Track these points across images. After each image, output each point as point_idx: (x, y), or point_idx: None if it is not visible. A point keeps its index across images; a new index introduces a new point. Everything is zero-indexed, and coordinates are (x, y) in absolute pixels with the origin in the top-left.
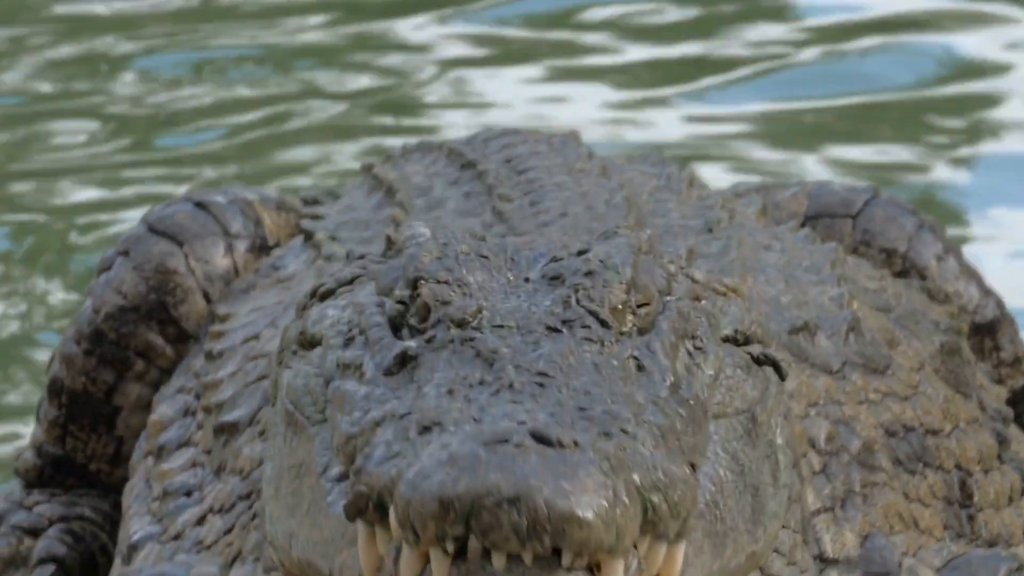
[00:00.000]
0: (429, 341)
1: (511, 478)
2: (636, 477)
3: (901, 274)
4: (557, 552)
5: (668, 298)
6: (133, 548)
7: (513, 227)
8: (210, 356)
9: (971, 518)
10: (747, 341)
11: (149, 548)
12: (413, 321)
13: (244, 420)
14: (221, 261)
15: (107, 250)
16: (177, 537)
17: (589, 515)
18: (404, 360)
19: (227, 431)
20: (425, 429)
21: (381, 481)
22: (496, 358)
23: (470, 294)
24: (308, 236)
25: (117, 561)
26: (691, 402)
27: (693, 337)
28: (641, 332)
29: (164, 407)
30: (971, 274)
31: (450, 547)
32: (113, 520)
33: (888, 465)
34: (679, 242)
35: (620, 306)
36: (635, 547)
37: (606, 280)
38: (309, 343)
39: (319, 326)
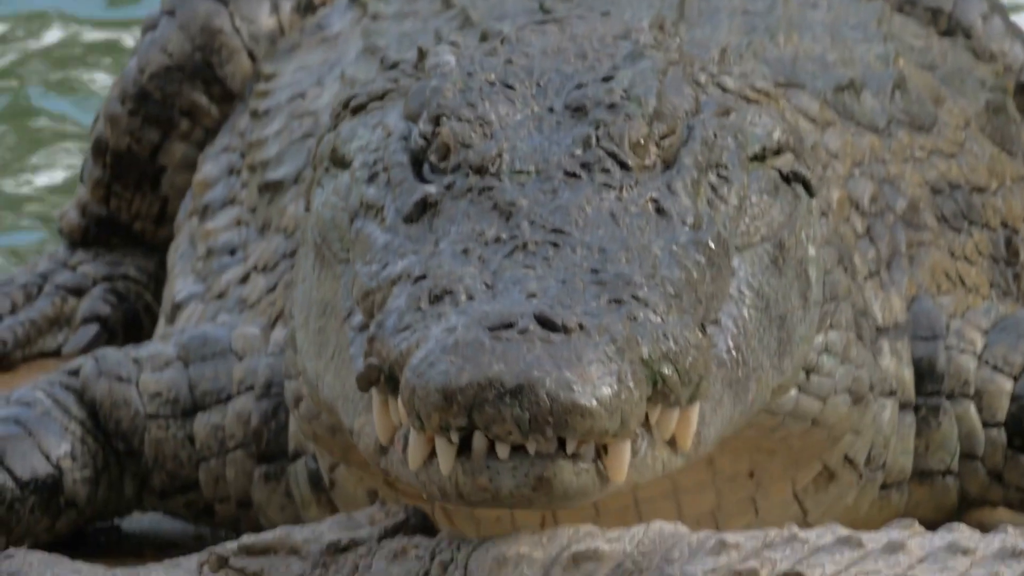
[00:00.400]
0: (449, 187)
1: (514, 369)
2: (645, 350)
3: (946, 33)
4: (562, 439)
5: (695, 119)
6: (177, 307)
7: None
8: (255, 115)
9: (1016, 276)
10: (779, 151)
11: (193, 307)
12: (434, 159)
13: (289, 178)
14: (266, 20)
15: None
16: (221, 296)
17: (592, 403)
18: (424, 207)
19: (272, 189)
20: (436, 298)
21: (392, 355)
22: (513, 211)
23: (491, 134)
24: None
25: (161, 321)
26: (712, 245)
27: (718, 166)
28: (665, 164)
29: (209, 166)
30: (1016, 33)
31: (454, 437)
32: (157, 279)
33: (934, 223)
34: (724, 2)
35: (642, 140)
36: (647, 418)
37: (628, 114)
38: (340, 162)
39: (349, 146)
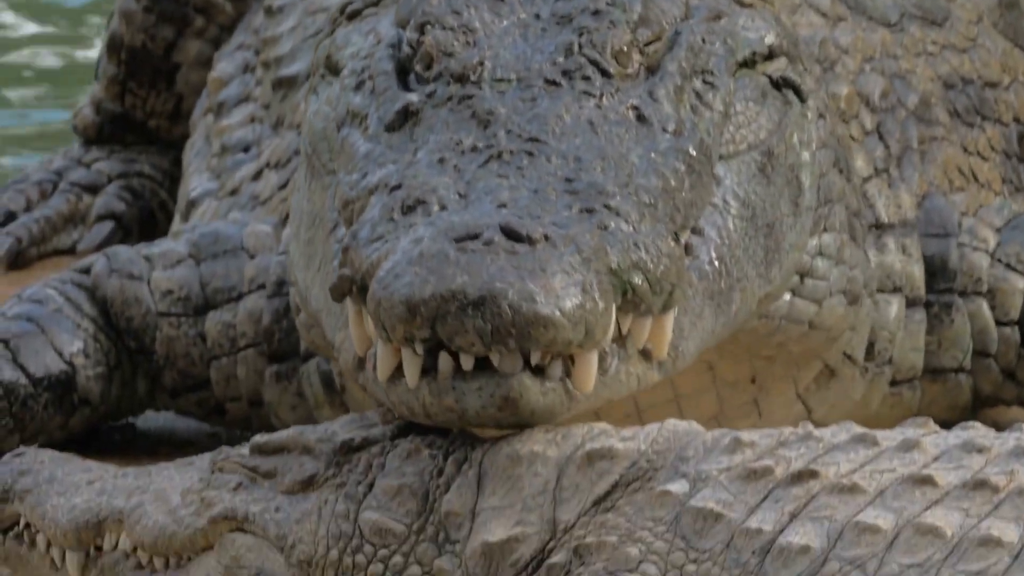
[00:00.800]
0: (430, 96)
1: (477, 281)
2: (614, 260)
3: None
4: (528, 356)
5: (683, 24)
6: (191, 204)
7: None
8: (269, 12)
9: None
10: (771, 56)
11: (207, 204)
12: (419, 68)
13: (303, 74)
14: None
15: None
16: (234, 192)
17: (555, 314)
18: (406, 116)
19: (285, 85)
20: (409, 209)
21: (363, 266)
22: (491, 120)
23: (474, 42)
24: None
25: (176, 218)
26: (692, 152)
27: (703, 72)
28: (649, 71)
29: (224, 64)
30: None
31: (419, 349)
32: (172, 177)
33: (946, 118)
34: None
35: (625, 48)
36: (618, 325)
37: (612, 20)
38: (333, 69)
39: (342, 53)
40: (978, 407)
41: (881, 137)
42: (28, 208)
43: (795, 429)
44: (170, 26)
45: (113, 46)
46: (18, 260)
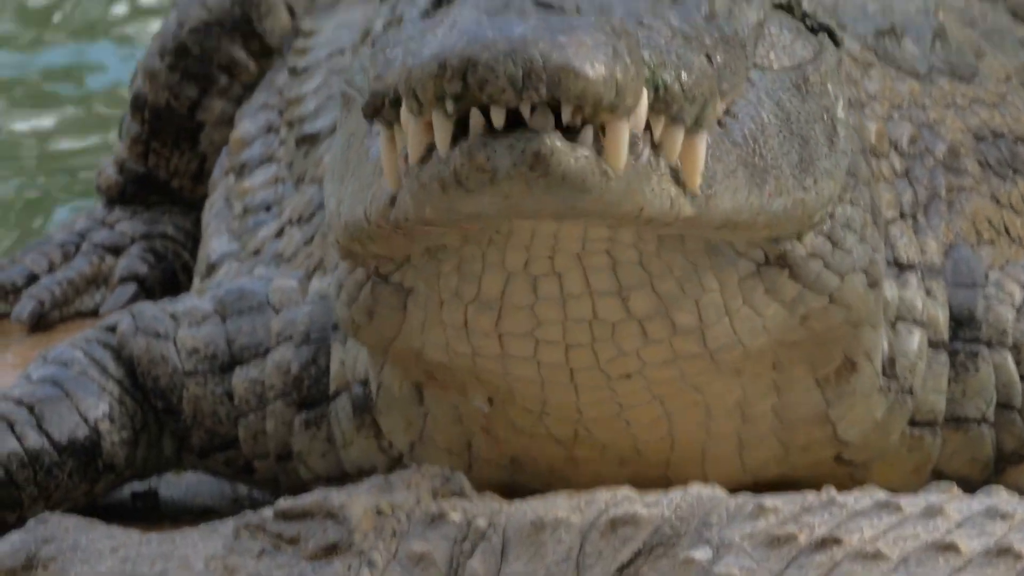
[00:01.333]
0: None
1: (508, 35)
2: (646, 53)
3: None
4: (560, 122)
5: None
6: (212, 267)
7: None
8: (294, 72)
9: None
10: (803, 18)
11: (228, 266)
12: None
13: (326, 130)
14: None
15: None
16: (256, 253)
17: (586, 66)
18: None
19: (308, 141)
20: (442, 23)
21: (395, 78)
22: None
23: None
24: None
25: (196, 280)
26: (726, 30)
27: None
28: None
29: (246, 123)
30: None
31: (450, 107)
32: (195, 238)
33: (976, 169)
34: None
35: None
36: (650, 132)
37: None
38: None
39: (378, 10)
40: (1001, 464)
41: (910, 182)
42: (51, 270)
43: (818, 494)
44: (194, 85)
45: (137, 105)
46: (41, 322)
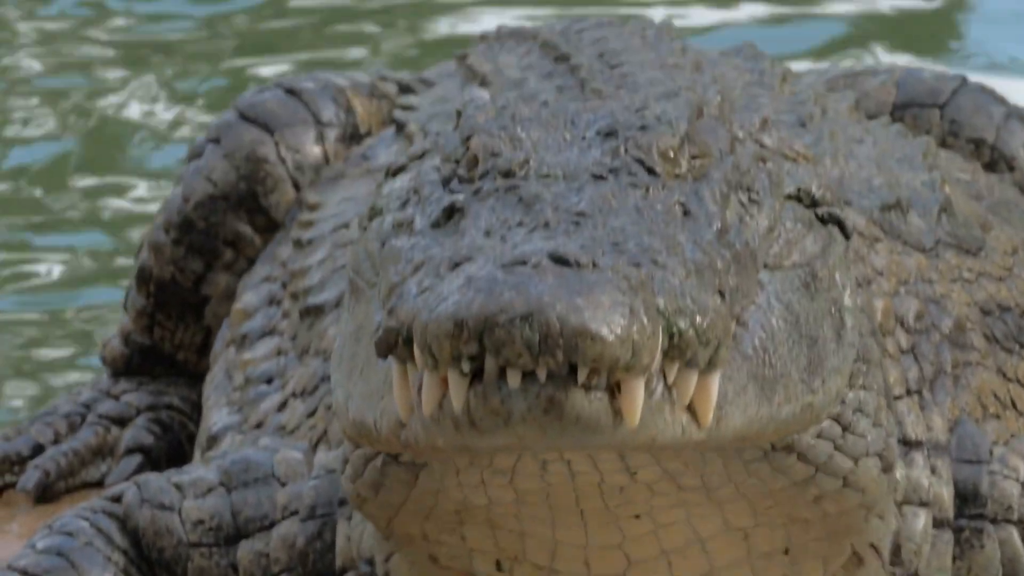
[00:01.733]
0: (476, 193)
1: (525, 296)
2: (660, 301)
3: (990, 166)
4: (574, 371)
5: (729, 155)
6: (213, 439)
7: None
8: (298, 244)
9: None
10: (813, 204)
11: (230, 438)
12: (462, 171)
13: (331, 302)
14: (312, 150)
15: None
16: (259, 426)
17: (603, 330)
18: (451, 212)
19: (313, 314)
20: (456, 265)
21: (408, 317)
22: (537, 202)
23: (520, 147)
24: (400, 127)
25: (197, 454)
26: (738, 247)
27: (749, 189)
28: (694, 180)
29: (249, 296)
30: None
31: (466, 367)
32: (201, 409)
33: (982, 344)
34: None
35: (671, 152)
36: (663, 373)
37: (659, 132)
38: (377, 213)
39: (385, 199)
40: None
41: (916, 358)
42: (56, 440)
43: None
44: (199, 259)
45: (142, 278)
46: (46, 493)
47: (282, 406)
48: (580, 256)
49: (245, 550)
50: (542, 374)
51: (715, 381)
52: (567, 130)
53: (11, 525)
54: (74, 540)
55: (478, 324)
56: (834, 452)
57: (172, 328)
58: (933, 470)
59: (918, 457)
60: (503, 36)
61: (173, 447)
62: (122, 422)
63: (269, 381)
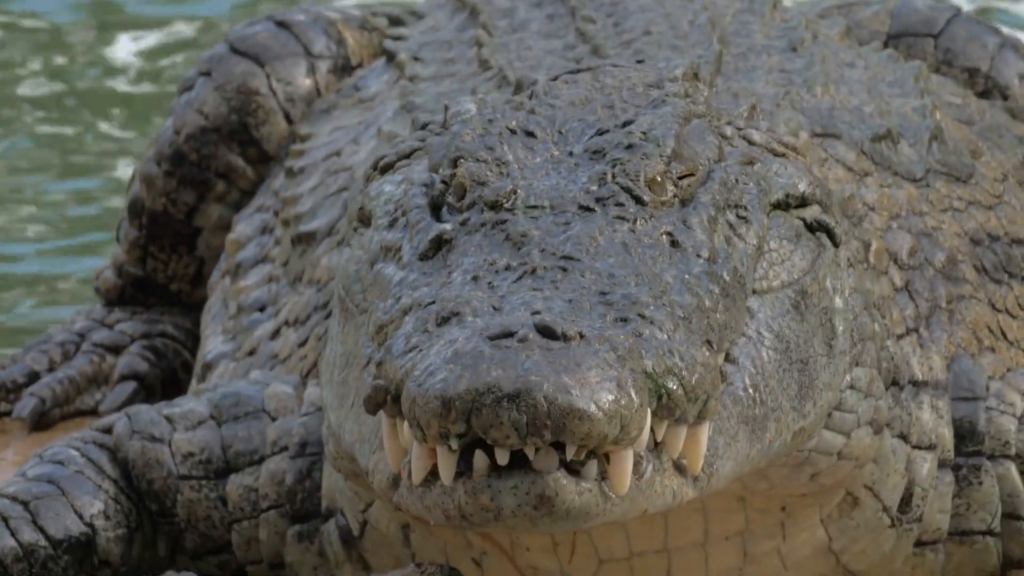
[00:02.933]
0: (464, 224)
1: (511, 374)
2: (649, 363)
3: (983, 94)
4: (564, 452)
5: (717, 165)
6: (207, 367)
7: (596, 48)
8: (290, 173)
9: None
10: (803, 204)
11: (224, 366)
12: (451, 200)
13: (323, 230)
14: (303, 81)
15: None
16: (251, 353)
17: (591, 408)
18: (439, 244)
19: (304, 241)
20: (444, 320)
21: (397, 375)
22: (524, 241)
23: (507, 173)
24: (391, 57)
25: (193, 382)
26: (726, 278)
27: (737, 207)
28: (683, 203)
29: (242, 226)
30: None
31: (454, 444)
32: (195, 337)
33: (973, 276)
34: (762, 60)
35: (659, 178)
36: (652, 433)
37: (646, 153)
38: (366, 220)
39: (374, 202)
40: (1007, 571)
41: (911, 296)
42: (51, 368)
43: None
44: (191, 191)
45: (134, 210)
46: (41, 421)
47: (275, 334)
48: (567, 327)
49: (234, 484)
50: (530, 452)
51: (704, 432)
52: (555, 144)
53: (6, 452)
54: (64, 468)
55: (465, 405)
56: (825, 431)
57: (165, 260)
58: (935, 409)
59: (925, 398)
60: None
61: (167, 374)
62: (117, 350)
63: (262, 309)
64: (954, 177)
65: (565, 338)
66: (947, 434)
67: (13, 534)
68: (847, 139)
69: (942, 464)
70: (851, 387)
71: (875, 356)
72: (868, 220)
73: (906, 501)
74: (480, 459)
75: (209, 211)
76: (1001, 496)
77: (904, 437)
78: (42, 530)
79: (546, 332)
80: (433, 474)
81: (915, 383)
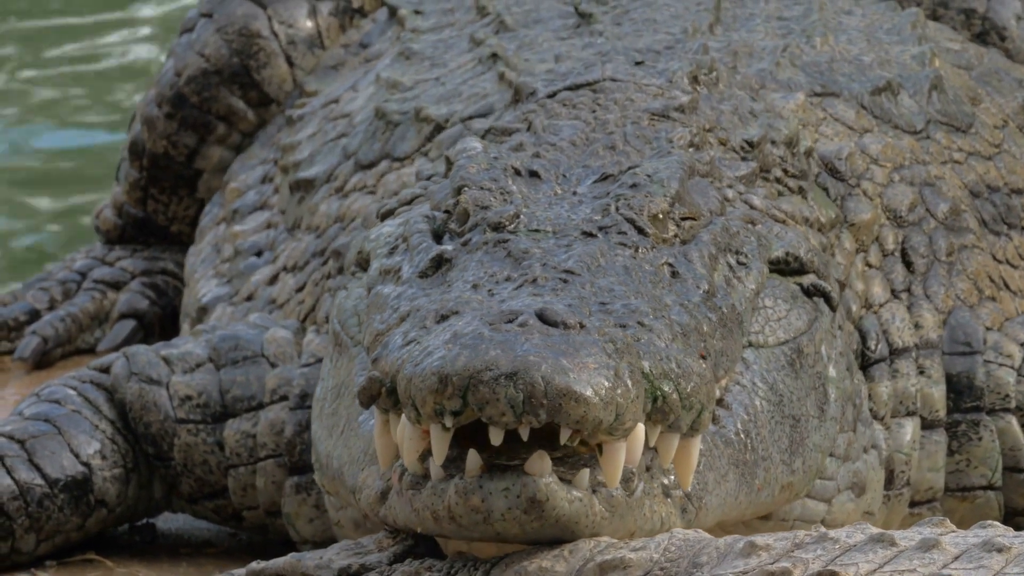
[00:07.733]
0: (465, 244)
1: (510, 354)
2: (646, 364)
3: (980, 36)
4: (557, 458)
5: (719, 217)
6: (203, 310)
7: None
8: (290, 121)
9: None
10: (800, 270)
11: (220, 309)
12: (453, 226)
13: (321, 176)
14: (304, 24)
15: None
16: (250, 298)
17: (587, 392)
18: (439, 262)
19: (303, 187)
20: (443, 318)
21: (393, 366)
22: (525, 257)
23: (511, 201)
24: (392, 11)
25: (185, 326)
26: (724, 311)
27: (738, 252)
28: (683, 243)
29: (243, 176)
30: None
31: (448, 422)
32: None
33: (975, 226)
34: (760, 7)
35: (661, 215)
36: (646, 437)
37: (650, 192)
38: (364, 263)
39: (373, 243)
40: (1008, 521)
41: (904, 255)
42: (52, 307)
43: (809, 532)
44: (192, 133)
45: (135, 152)
46: (42, 360)
47: (272, 279)
48: (567, 316)
49: (232, 429)
50: (524, 433)
51: (696, 444)
52: (558, 185)
53: (6, 391)
54: (61, 408)
55: (462, 380)
56: (808, 500)
57: (166, 201)
58: (922, 371)
59: (903, 366)
60: None
61: (167, 311)
62: (118, 287)
63: (259, 254)
64: (954, 127)
65: (565, 326)
66: (936, 394)
67: (9, 472)
68: (847, 95)
69: (930, 424)
70: (831, 455)
71: (850, 418)
72: (870, 174)
73: (889, 478)
74: (472, 459)
75: (209, 153)
76: (1002, 450)
77: (879, 407)
78: (38, 469)
79: (547, 319)
80: (424, 478)
81: (892, 352)
